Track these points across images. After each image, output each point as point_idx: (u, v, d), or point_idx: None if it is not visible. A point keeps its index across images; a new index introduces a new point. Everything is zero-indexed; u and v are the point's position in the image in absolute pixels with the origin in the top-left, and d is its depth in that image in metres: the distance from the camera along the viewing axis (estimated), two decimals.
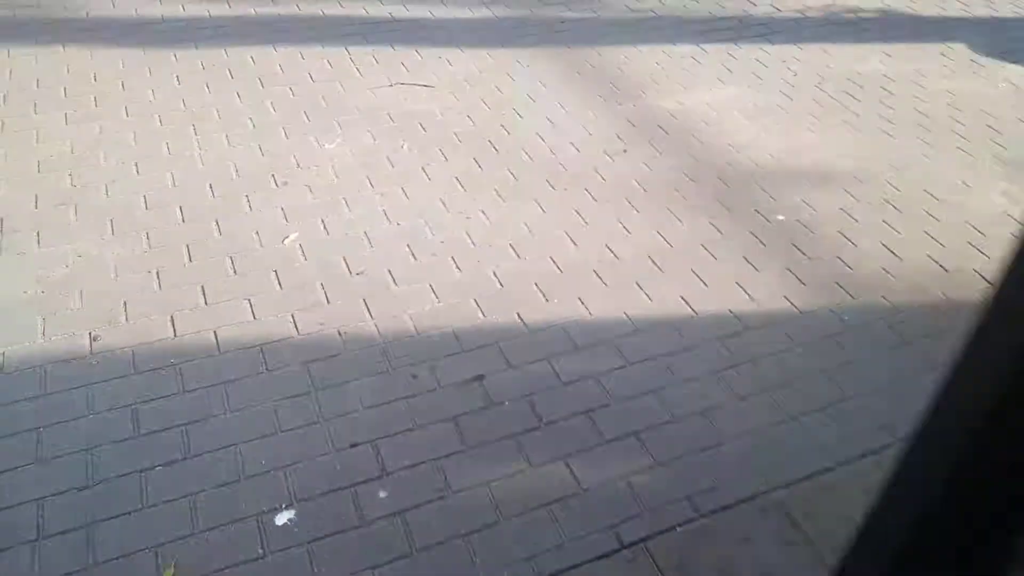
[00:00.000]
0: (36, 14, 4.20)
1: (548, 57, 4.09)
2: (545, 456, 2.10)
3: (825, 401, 2.31)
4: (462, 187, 3.12)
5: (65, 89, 3.59)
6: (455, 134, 3.45)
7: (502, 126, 3.52)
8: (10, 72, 3.70)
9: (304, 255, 2.74)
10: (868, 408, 2.29)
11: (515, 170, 3.23)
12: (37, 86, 3.61)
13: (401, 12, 4.50)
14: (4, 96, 3.52)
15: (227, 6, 4.44)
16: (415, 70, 3.93)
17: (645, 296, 2.63)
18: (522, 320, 2.51)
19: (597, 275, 2.71)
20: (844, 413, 2.27)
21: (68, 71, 3.74)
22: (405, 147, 3.34)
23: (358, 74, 3.87)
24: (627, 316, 2.55)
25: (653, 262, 2.78)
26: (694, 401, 2.27)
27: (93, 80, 3.68)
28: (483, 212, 2.98)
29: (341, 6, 4.51)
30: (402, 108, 3.61)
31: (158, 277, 2.61)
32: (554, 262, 2.75)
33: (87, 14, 4.25)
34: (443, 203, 3.02)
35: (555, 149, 3.38)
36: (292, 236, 2.81)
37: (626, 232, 2.92)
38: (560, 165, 3.27)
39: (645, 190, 3.15)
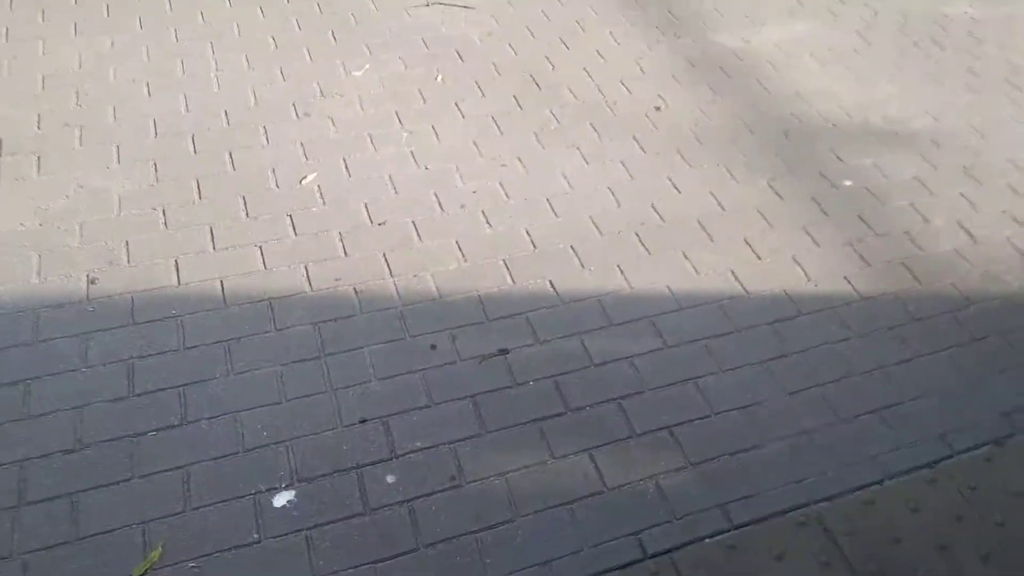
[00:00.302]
0: None
1: None
2: (569, 447, 1.92)
3: (880, 402, 2.08)
4: (498, 128, 2.85)
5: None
6: (494, 65, 3.15)
7: (546, 58, 3.21)
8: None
9: (323, 198, 2.52)
10: (927, 414, 2.06)
11: (557, 111, 2.94)
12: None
13: None
14: (11, 0, 3.28)
15: None
16: None
17: (691, 267, 2.39)
18: (554, 288, 2.29)
19: (639, 239, 2.46)
20: (900, 418, 2.05)
21: None
22: (439, 78, 3.06)
23: None
24: (669, 290, 2.32)
25: (703, 227, 2.52)
26: (736, 394, 2.06)
27: None
28: (519, 159, 2.72)
29: None
30: (438, 32, 3.30)
31: (164, 215, 2.42)
32: (594, 223, 2.50)
33: None
34: (476, 146, 2.76)
35: (603, 88, 3.07)
36: (310, 176, 2.59)
37: (675, 191, 2.64)
38: (607, 108, 2.98)
39: (700, 141, 2.85)
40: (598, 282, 2.32)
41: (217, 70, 3.00)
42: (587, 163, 2.73)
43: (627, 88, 3.07)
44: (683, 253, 2.43)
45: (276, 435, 1.88)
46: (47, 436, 1.84)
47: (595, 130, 2.87)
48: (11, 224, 2.35)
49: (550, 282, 2.31)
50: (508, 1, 3.53)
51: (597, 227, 2.49)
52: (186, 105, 2.83)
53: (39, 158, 2.58)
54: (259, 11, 3.33)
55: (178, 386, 1.95)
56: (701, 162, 2.76)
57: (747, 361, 2.14)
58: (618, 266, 2.37)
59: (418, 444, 1.88)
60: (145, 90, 2.88)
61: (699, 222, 2.53)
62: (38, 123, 2.70)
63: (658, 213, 2.55)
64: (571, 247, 2.42)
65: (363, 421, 1.91)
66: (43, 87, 2.86)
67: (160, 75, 2.96)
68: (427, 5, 3.47)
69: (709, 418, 1.99)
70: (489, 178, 2.64)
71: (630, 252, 2.42)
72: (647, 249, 2.43)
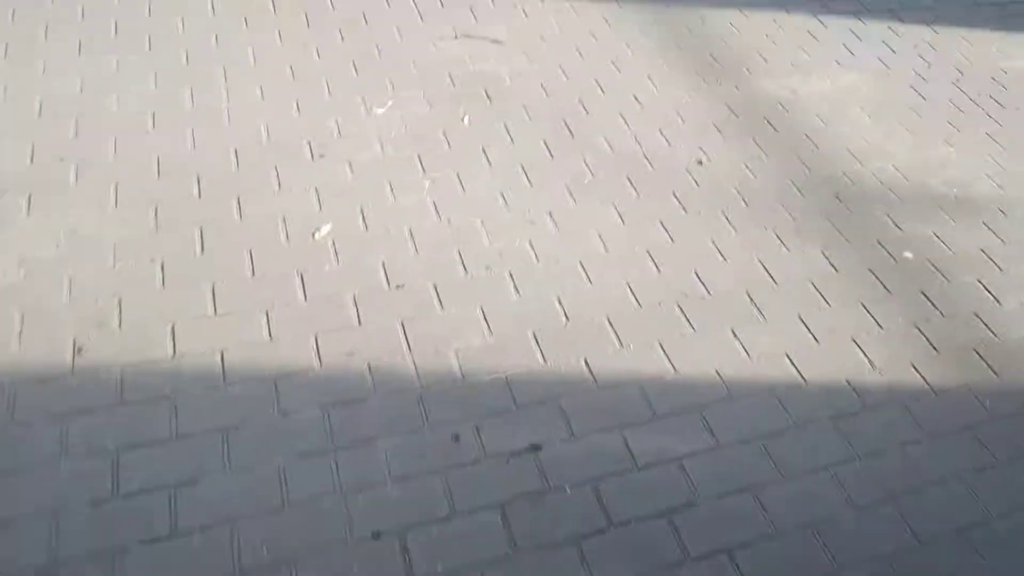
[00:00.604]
0: None
1: (641, 16, 3.50)
2: (613, 573, 1.68)
3: (963, 520, 1.85)
4: (528, 179, 2.62)
5: (83, 9, 3.11)
6: (524, 107, 2.93)
7: (580, 101, 2.99)
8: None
9: (336, 255, 2.29)
10: (1020, 537, 1.83)
11: (591, 161, 2.72)
12: (52, 3, 3.14)
13: None
14: (13, 11, 3.05)
15: None
16: (485, 19, 3.37)
17: (741, 348, 2.16)
18: (589, 369, 2.06)
19: (683, 313, 2.23)
20: (990, 543, 1.81)
21: (117, 3, 3.25)
22: (465, 120, 2.84)
23: (419, 19, 3.33)
24: (719, 375, 2.09)
25: (752, 301, 2.30)
26: (801, 507, 1.83)
27: (115, 1, 3.19)
28: (550, 215, 2.50)
29: None
30: (466, 68, 3.08)
31: (162, 269, 2.19)
32: (631, 291, 2.28)
33: None
34: (504, 199, 2.54)
35: (640, 137, 2.85)
36: (324, 229, 2.36)
37: (720, 257, 2.42)
38: (645, 159, 2.75)
39: (746, 202, 2.62)
40: (638, 363, 2.09)
41: (228, 101, 2.78)
42: (623, 222, 2.50)
43: (666, 138, 2.85)
44: (732, 331, 2.20)
45: (277, 553, 1.64)
46: (15, 551, 1.60)
47: (632, 185, 2.64)
48: None
49: (585, 361, 2.08)
50: (541, 36, 3.32)
51: (635, 297, 2.26)
52: (193, 140, 2.61)
53: (30, 197, 2.35)
54: (277, 36, 3.11)
55: (168, 487, 1.71)
56: (747, 225, 2.54)
57: (810, 466, 1.91)
58: (660, 344, 2.14)
59: (439, 568, 1.64)
60: (150, 121, 2.66)
61: (748, 295, 2.31)
62: (31, 155, 2.48)
63: (702, 282, 2.32)
64: (607, 320, 2.19)
65: (376, 536, 1.68)
66: (40, 113, 2.64)
67: (167, 104, 2.73)
68: (455, 38, 3.25)
69: (773, 539, 1.76)
70: (517, 236, 2.42)
71: (673, 328, 2.19)
72: (692, 325, 2.20)
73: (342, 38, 3.16)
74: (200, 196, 2.42)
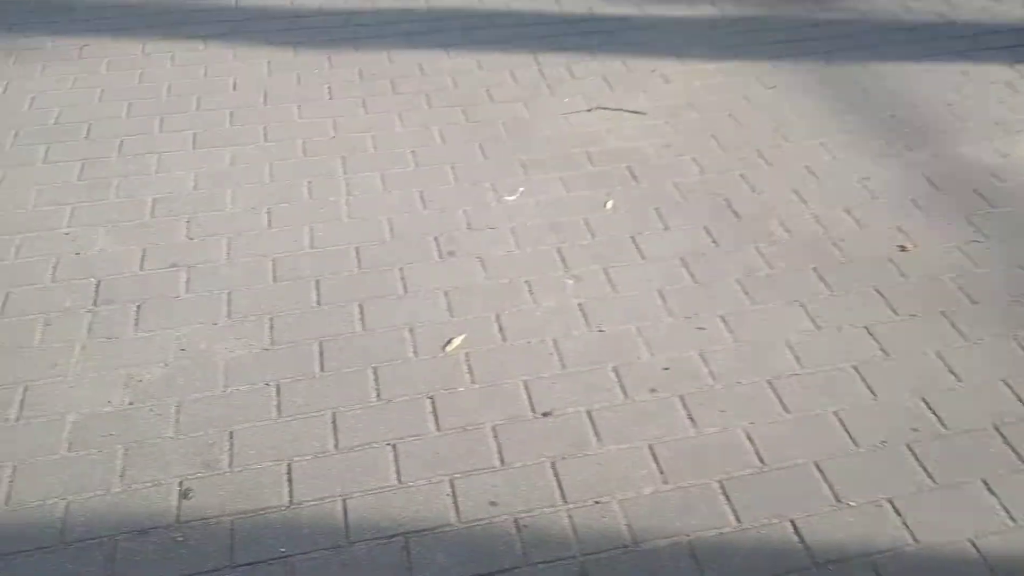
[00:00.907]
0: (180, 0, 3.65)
1: (800, 76, 3.09)
2: None
3: None
4: (690, 274, 2.22)
5: (198, 100, 2.98)
6: (676, 186, 2.54)
7: (742, 177, 2.58)
8: (140, 74, 3.14)
9: (471, 373, 1.95)
10: None
11: (766, 250, 2.29)
12: (168, 93, 3.03)
13: (603, 7, 3.61)
14: (128, 106, 2.96)
15: None
16: (621, 87, 3.05)
17: (1001, 509, 1.64)
18: (798, 535, 1.59)
19: (915, 457, 1.73)
20: None
21: (205, 74, 3.14)
22: (609, 204, 2.48)
23: (548, 92, 3.04)
24: (975, 548, 1.58)
25: (1006, 441, 1.76)
26: None
27: (232, 88, 3.06)
28: (723, 320, 2.08)
29: None
30: (604, 144, 2.74)
31: (278, 394, 1.91)
32: (842, 424, 1.80)
33: (235, 2, 3.65)
34: (664, 300, 2.14)
35: (823, 218, 2.40)
36: (456, 340, 2.03)
37: (953, 377, 1.90)
38: (833, 246, 2.30)
39: (971, 300, 2.12)
40: (864, 528, 1.61)
41: (348, 193, 2.54)
42: (817, 327, 2.05)
43: (855, 219, 2.39)
44: (985, 484, 1.69)
45: None
46: None
47: (821, 279, 2.19)
48: (97, 402, 1.89)
49: (792, 524, 1.62)
50: (687, 103, 2.95)
51: (848, 432, 1.79)
52: (311, 239, 2.36)
53: (138, 308, 2.14)
54: (397, 119, 2.88)
55: None
56: (979, 331, 2.03)
57: None
58: (890, 501, 1.65)
59: None
60: (265, 220, 2.44)
61: (999, 431, 1.79)
62: (141, 261, 2.29)
63: (935, 413, 1.83)
64: (815, 466, 1.72)
65: None
66: (152, 213, 2.47)
67: (283, 199, 2.51)
68: (589, 111, 2.93)
69: None
70: (685, 347, 2.01)
71: (905, 479, 1.70)
72: (930, 475, 1.70)
73: (465, 117, 2.89)
74: (319, 303, 2.15)
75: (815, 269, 2.22)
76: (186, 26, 3.45)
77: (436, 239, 2.36)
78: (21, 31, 3.42)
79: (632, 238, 2.35)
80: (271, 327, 2.08)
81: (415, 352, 2.00)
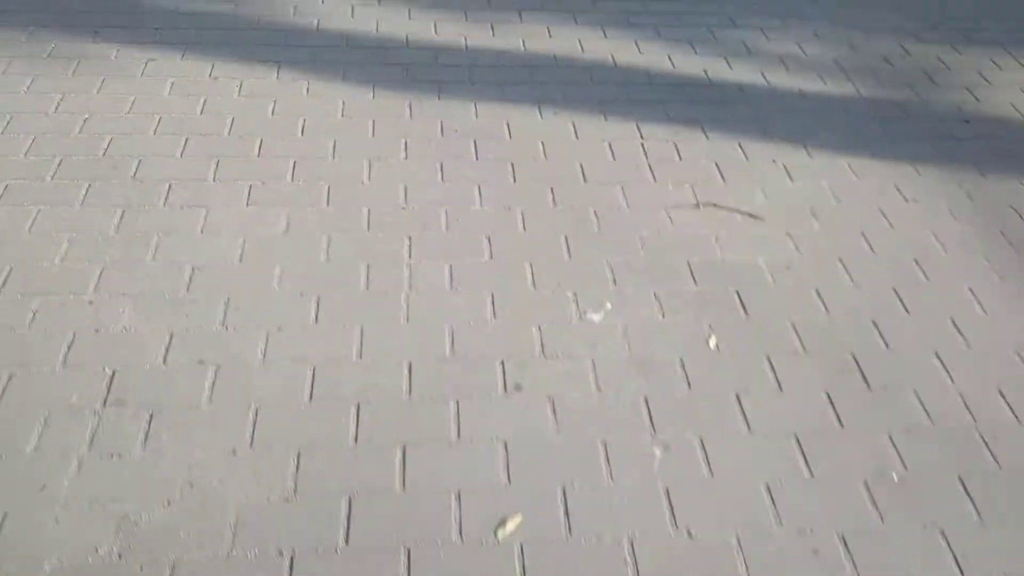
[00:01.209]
0: (260, 14, 3.34)
1: (947, 186, 2.62)
2: None
3: None
4: (807, 464, 1.81)
5: (261, 143, 2.67)
6: (794, 328, 2.13)
7: (875, 325, 2.14)
8: (204, 102, 2.84)
9: (524, 573, 1.60)
10: None
11: (900, 439, 1.86)
12: (229, 130, 2.73)
13: (719, 70, 3.18)
14: (185, 142, 2.67)
15: (490, 32, 3.35)
16: (734, 179, 2.63)
17: None
18: None
19: None
20: None
21: (273, 112, 2.83)
22: (712, 342, 2.08)
23: (650, 176, 2.64)
24: None
25: None
26: None
27: (299, 133, 2.74)
28: (844, 542, 1.67)
29: (640, 52, 3.26)
30: (711, 255, 2.34)
31: (291, 567, 1.59)
32: None
33: (317, 24, 3.34)
34: (772, 500, 1.74)
35: (971, 400, 1.96)
36: (511, 524, 1.67)
37: None
38: (983, 442, 1.86)
39: None
40: None
41: (410, 287, 2.20)
42: (962, 570, 1.63)
43: (1010, 405, 1.94)
44: None
45: None
46: None
47: (968, 495, 1.76)
48: (81, 548, 1.59)
49: None
50: (811, 210, 2.52)
51: None
52: (360, 345, 2.03)
53: (151, 417, 1.85)
54: (476, 192, 2.53)
55: None
56: None
57: None
58: None
59: None
60: (312, 311, 2.12)
61: None
62: (165, 353, 1.99)
63: None
64: None
65: None
66: (188, 287, 2.17)
67: (336, 285, 2.19)
68: (696, 206, 2.52)
69: None
70: (797, 570, 1.61)
71: None
72: None
73: (554, 200, 2.52)
74: (355, 441, 1.82)
75: (961, 479, 1.79)
76: (260, 47, 3.15)
77: (503, 363, 2.01)
78: (88, 35, 3.17)
79: (737, 397, 1.95)
80: (296, 467, 1.76)
81: (460, 532, 1.66)
